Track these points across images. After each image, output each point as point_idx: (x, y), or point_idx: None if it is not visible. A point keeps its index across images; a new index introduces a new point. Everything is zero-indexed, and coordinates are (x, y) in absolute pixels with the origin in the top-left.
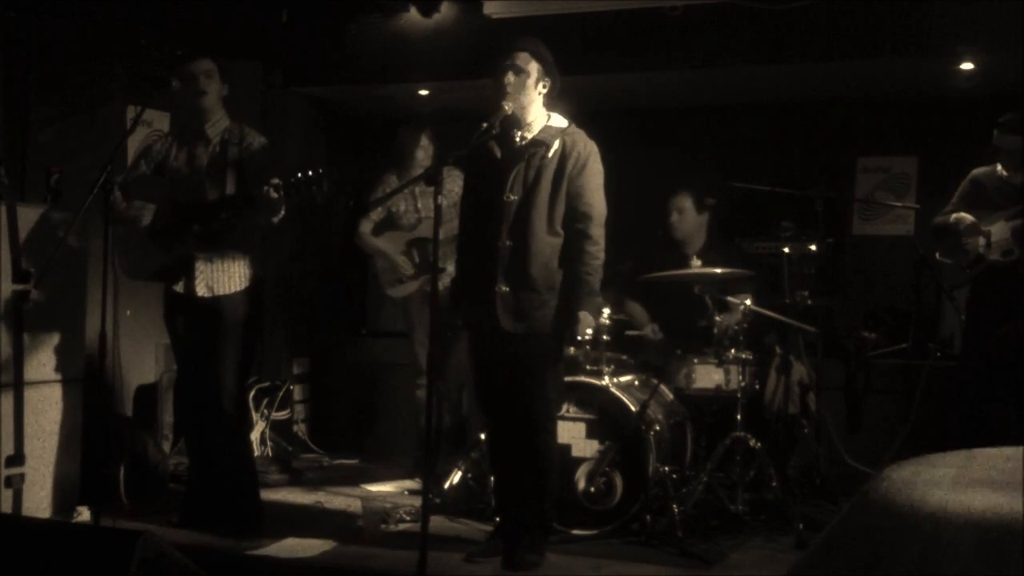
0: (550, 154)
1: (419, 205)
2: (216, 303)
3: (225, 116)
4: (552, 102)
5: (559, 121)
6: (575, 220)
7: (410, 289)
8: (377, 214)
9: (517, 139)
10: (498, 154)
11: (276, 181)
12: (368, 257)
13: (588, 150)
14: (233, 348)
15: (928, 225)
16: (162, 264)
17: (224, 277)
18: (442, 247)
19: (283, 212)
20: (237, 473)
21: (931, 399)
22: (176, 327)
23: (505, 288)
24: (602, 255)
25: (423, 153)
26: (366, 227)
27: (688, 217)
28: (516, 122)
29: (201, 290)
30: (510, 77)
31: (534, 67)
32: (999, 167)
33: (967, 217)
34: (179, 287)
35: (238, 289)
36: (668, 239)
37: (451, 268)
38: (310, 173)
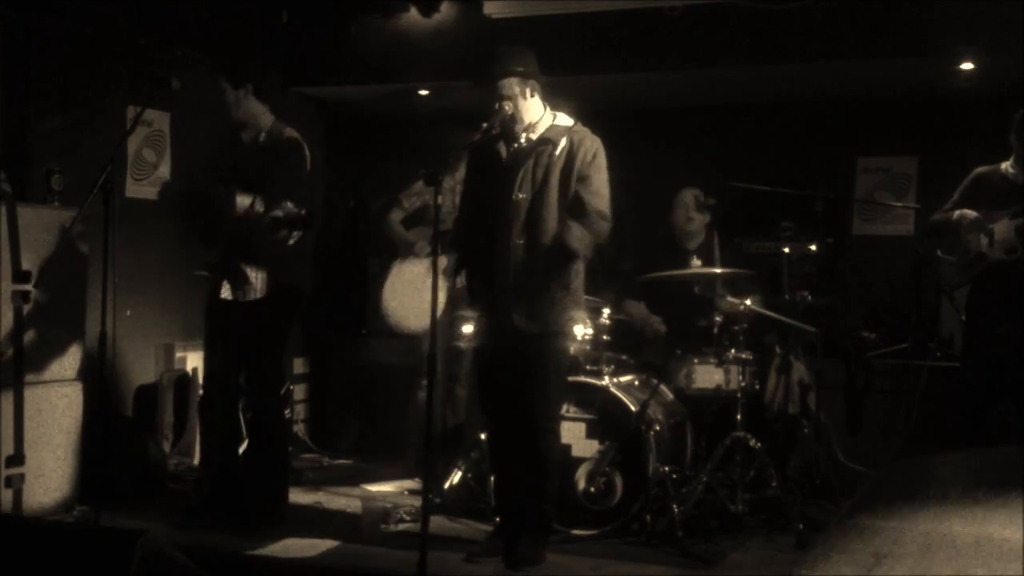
0: (557, 152)
1: (457, 201)
2: (254, 306)
3: (265, 116)
4: (555, 101)
5: (565, 120)
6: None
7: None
8: (410, 203)
9: (523, 139)
10: (503, 154)
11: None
12: (368, 257)
13: (596, 146)
14: (276, 350)
15: (925, 222)
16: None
17: (260, 282)
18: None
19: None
20: (275, 466)
21: (932, 399)
22: (217, 332)
23: (519, 287)
24: (607, 229)
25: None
26: (396, 216)
27: (697, 214)
28: (520, 124)
29: (243, 295)
30: (505, 106)
31: (514, 84)
32: (1004, 166)
33: (970, 213)
34: (225, 292)
35: (273, 292)
36: (672, 236)
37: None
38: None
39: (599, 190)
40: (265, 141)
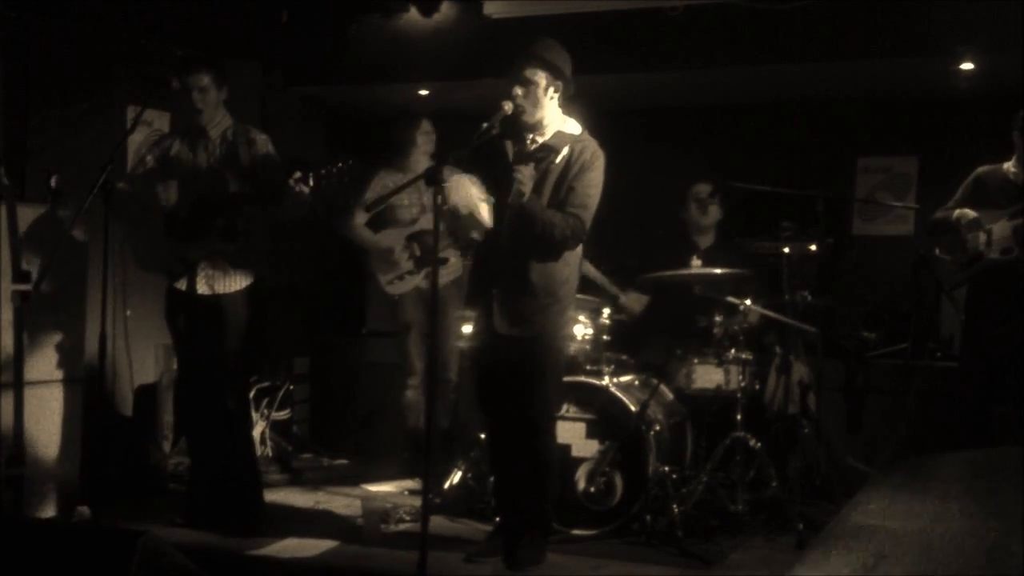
0: (558, 160)
1: (424, 200)
2: (217, 301)
3: (227, 115)
4: (568, 104)
5: (573, 128)
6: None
7: (411, 284)
8: (373, 205)
9: (528, 142)
10: (510, 156)
11: (299, 175)
12: (365, 255)
13: (593, 157)
14: (234, 347)
15: (926, 220)
16: (171, 258)
17: (225, 276)
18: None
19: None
20: (239, 471)
21: (931, 399)
22: (177, 324)
23: (502, 291)
24: (572, 233)
25: (424, 138)
26: (360, 219)
27: (712, 207)
28: (530, 127)
29: (202, 288)
30: (518, 90)
31: (542, 76)
32: (1005, 166)
33: (969, 212)
34: (181, 285)
35: (239, 288)
36: (681, 231)
37: (453, 259)
38: (340, 165)
39: (583, 201)
40: (235, 136)
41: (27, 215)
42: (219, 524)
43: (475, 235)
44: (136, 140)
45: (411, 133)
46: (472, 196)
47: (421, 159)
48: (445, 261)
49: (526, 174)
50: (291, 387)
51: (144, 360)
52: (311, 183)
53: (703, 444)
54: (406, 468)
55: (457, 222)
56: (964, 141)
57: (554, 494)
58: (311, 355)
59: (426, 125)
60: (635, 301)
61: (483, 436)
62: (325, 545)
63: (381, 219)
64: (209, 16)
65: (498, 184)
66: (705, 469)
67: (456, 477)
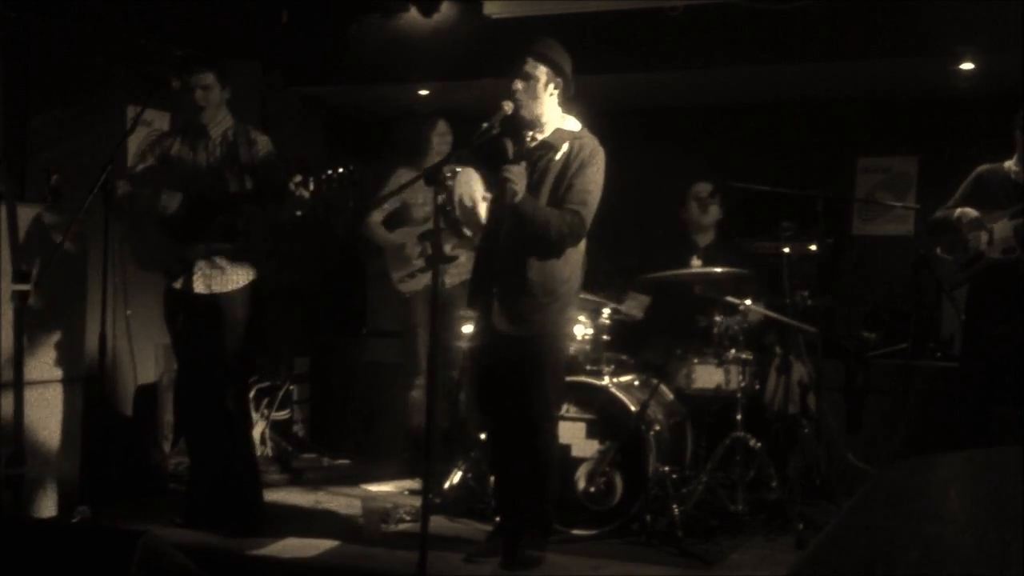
0: (557, 157)
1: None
2: (214, 301)
3: (228, 115)
4: (568, 104)
5: (572, 125)
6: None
7: (422, 283)
8: (390, 204)
9: (528, 140)
10: (510, 154)
11: (299, 178)
12: (369, 256)
13: (593, 153)
14: (233, 346)
15: (927, 219)
16: (170, 258)
17: (223, 275)
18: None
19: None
20: (239, 471)
21: (931, 399)
22: (176, 324)
23: (502, 290)
24: (570, 230)
25: (439, 139)
26: (376, 217)
27: (712, 206)
28: (529, 123)
29: (199, 287)
30: (518, 84)
31: (542, 71)
32: (1006, 164)
33: (970, 211)
34: (178, 284)
35: (237, 287)
36: (681, 231)
37: (464, 259)
38: (340, 170)
39: (582, 197)
40: (235, 136)
41: (27, 215)
42: (219, 524)
43: (467, 231)
44: (136, 140)
45: (427, 134)
46: (475, 191)
47: (437, 160)
48: (454, 259)
49: (516, 173)
50: (291, 387)
51: (144, 360)
52: (311, 187)
53: (703, 444)
54: (406, 468)
55: (465, 213)
56: (964, 141)
57: (554, 494)
58: (311, 355)
59: (442, 126)
60: (636, 307)
61: (483, 436)
62: (325, 545)
63: (397, 218)
64: (209, 16)
65: (495, 184)
66: (705, 469)
67: (456, 477)
